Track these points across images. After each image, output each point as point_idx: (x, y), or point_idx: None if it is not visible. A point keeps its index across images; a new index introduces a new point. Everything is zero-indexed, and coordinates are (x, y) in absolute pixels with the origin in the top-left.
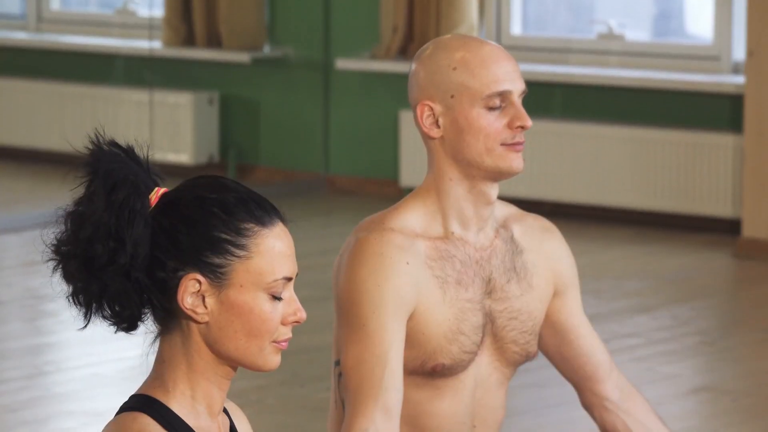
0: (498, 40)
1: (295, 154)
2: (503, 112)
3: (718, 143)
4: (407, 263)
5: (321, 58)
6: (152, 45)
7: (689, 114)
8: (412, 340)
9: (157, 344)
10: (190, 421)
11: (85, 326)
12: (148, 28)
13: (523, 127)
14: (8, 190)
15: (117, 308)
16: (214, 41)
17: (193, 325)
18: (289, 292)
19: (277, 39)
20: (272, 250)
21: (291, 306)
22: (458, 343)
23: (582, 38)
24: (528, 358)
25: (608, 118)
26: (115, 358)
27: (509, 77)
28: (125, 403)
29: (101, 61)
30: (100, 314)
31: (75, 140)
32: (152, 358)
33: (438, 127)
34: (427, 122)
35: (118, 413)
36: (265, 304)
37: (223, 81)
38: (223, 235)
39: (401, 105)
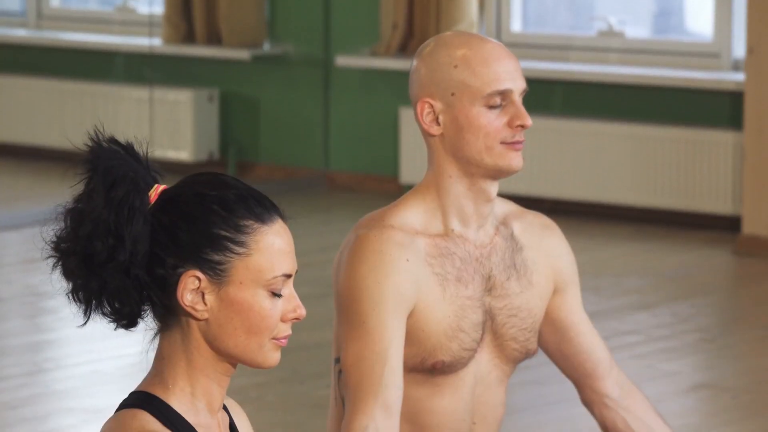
0: (498, 37)
1: (295, 151)
2: (503, 111)
3: (718, 140)
4: (407, 260)
5: (321, 55)
6: (152, 42)
7: (689, 111)
8: (412, 337)
9: (156, 341)
10: (189, 418)
11: (85, 323)
12: (148, 25)
13: (523, 126)
14: (8, 187)
15: (117, 305)
16: (214, 38)
17: (193, 322)
18: (288, 289)
19: (277, 36)
20: (272, 247)
21: (291, 303)
22: (458, 341)
23: (582, 35)
24: (528, 355)
25: (608, 115)
26: (114, 355)
27: (510, 76)
28: (125, 400)
29: (101, 59)
30: (100, 311)
31: (75, 137)
32: (152, 355)
33: (438, 124)
34: (427, 119)
35: (117, 410)
36: (264, 301)
37: (223, 78)
38: (223, 232)
39: (401, 102)
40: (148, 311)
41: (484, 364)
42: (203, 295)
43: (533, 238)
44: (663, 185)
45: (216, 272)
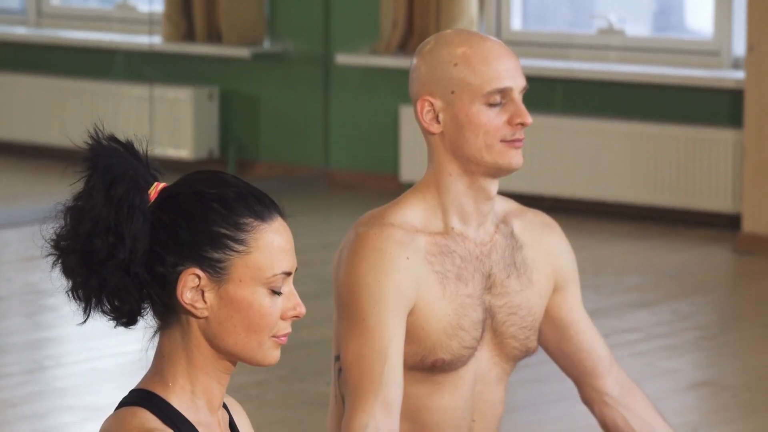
0: (498, 34)
1: (295, 149)
2: (503, 109)
3: (719, 138)
4: (407, 258)
5: (321, 53)
6: (152, 40)
7: (689, 109)
8: (412, 335)
9: (156, 339)
10: (189, 416)
11: (85, 321)
12: (148, 23)
13: (523, 124)
14: (8, 185)
15: (116, 303)
16: (214, 36)
17: (193, 320)
18: (288, 287)
19: (277, 34)
20: (271, 244)
21: (290, 301)
22: (458, 339)
23: (582, 33)
24: (528, 353)
25: (608, 113)
26: (114, 353)
27: (510, 74)
28: (125, 398)
29: (101, 56)
30: (100, 309)
31: (75, 135)
32: (152, 353)
33: (438, 122)
34: (427, 117)
35: (117, 408)
36: (264, 298)
37: (223, 76)
38: (223, 230)
39: (401, 100)
40: (148, 309)
41: (484, 362)
42: (203, 293)
43: (533, 236)
44: (663, 183)
45: (216, 270)
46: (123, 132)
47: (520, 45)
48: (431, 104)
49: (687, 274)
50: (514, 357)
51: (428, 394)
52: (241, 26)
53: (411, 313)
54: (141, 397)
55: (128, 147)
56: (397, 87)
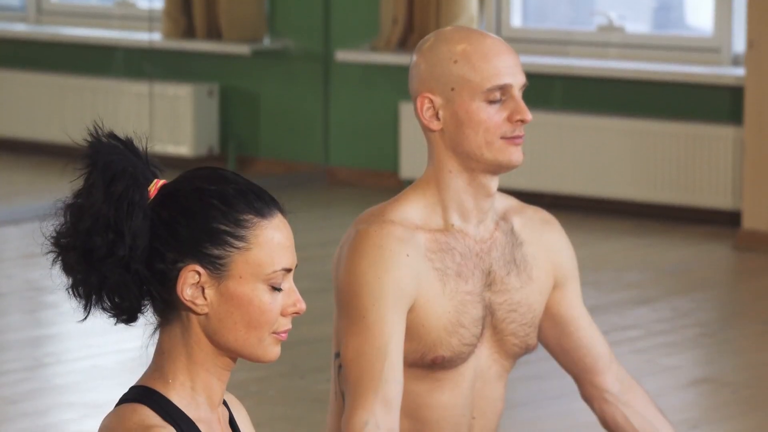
0: (498, 31)
1: (295, 146)
2: (503, 106)
3: (718, 135)
4: (407, 255)
5: (321, 50)
6: (152, 37)
7: (689, 106)
8: (412, 332)
9: (156, 336)
10: (189, 413)
11: (85, 318)
12: (147, 20)
13: (523, 121)
14: (8, 182)
15: (116, 300)
16: (214, 33)
17: (193, 317)
18: (288, 284)
19: (277, 31)
20: (271, 241)
21: (290, 297)
22: (458, 336)
23: (582, 30)
24: (527, 350)
25: (608, 110)
26: (114, 350)
27: (510, 71)
28: (125, 395)
29: (101, 53)
30: (100, 306)
31: (74, 132)
32: (152, 350)
33: (438, 119)
34: (427, 114)
35: (117, 405)
36: (264, 295)
37: (222, 73)
38: (223, 227)
39: (401, 97)
40: (148, 306)
41: (484, 359)
42: (203, 289)
43: (533, 233)
44: (663, 180)
45: (216, 267)
46: (123, 129)
47: (520, 42)
48: (431, 101)
49: (687, 271)
50: (513, 354)
51: (428, 391)
52: (241, 23)
53: (411, 310)
54: (141, 394)
55: (128, 144)
56: (397, 84)
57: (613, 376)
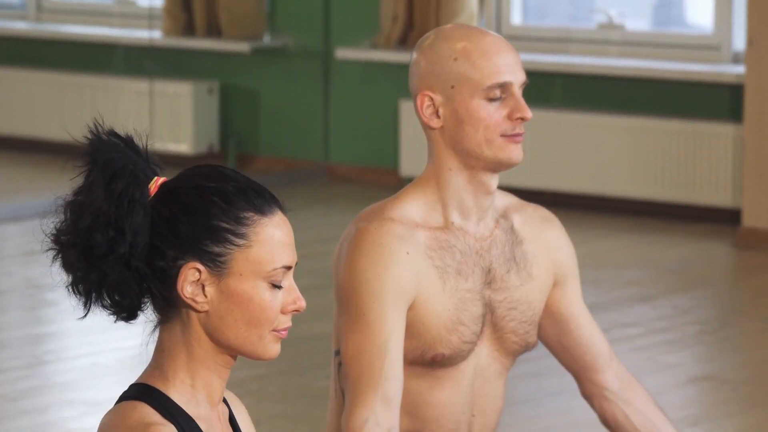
0: (498, 29)
1: (295, 144)
2: (503, 103)
3: (719, 133)
4: (407, 253)
5: (321, 48)
6: (152, 34)
7: (689, 104)
8: (411, 330)
9: (156, 333)
10: (189, 410)
11: (85, 316)
12: (147, 17)
13: (523, 119)
14: (8, 179)
15: (116, 297)
16: (213, 31)
17: (193, 314)
18: (288, 281)
19: (277, 28)
20: (271, 238)
21: (291, 294)
22: (458, 333)
23: (582, 28)
24: (527, 348)
25: (608, 108)
26: (114, 348)
27: (510, 68)
28: (125, 392)
29: (101, 51)
30: (100, 303)
31: (75, 130)
32: (152, 348)
33: (438, 117)
34: (427, 112)
35: (117, 402)
36: (264, 292)
37: (222, 70)
38: (223, 224)
39: (401, 94)
40: (148, 303)
41: (484, 356)
42: (203, 287)
43: (533, 231)
44: (663, 178)
45: (216, 264)
46: (123, 126)
47: (520, 40)
48: (431, 99)
49: (687, 269)
50: (513, 352)
51: (428, 389)
52: (241, 20)
53: (411, 308)
54: (141, 392)
55: (128, 141)
56: (397, 81)
57: (613, 374)
